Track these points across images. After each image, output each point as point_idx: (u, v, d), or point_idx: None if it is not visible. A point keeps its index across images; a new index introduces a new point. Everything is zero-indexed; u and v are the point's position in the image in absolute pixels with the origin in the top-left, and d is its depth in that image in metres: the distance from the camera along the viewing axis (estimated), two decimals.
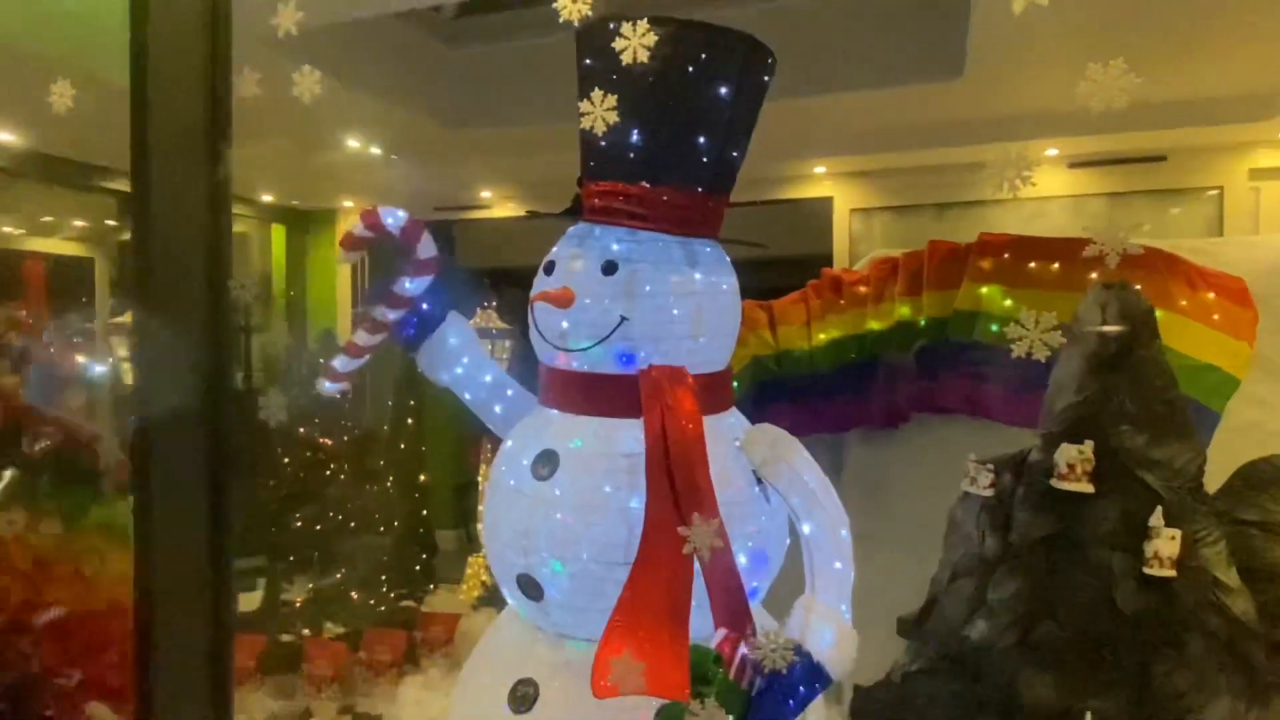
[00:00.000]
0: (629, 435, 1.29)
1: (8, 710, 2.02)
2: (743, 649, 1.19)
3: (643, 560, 1.19)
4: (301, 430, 2.95)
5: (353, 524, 2.94)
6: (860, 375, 2.57)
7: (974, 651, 1.80)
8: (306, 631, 2.88)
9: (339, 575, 2.86)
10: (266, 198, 5.14)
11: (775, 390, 2.53)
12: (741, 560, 1.32)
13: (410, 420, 3.66)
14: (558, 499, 1.29)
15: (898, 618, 2.06)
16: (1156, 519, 1.61)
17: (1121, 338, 1.70)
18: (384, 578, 2.97)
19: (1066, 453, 1.76)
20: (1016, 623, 1.75)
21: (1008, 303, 2.26)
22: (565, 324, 1.32)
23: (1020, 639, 1.74)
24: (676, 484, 1.22)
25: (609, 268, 1.30)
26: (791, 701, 1.19)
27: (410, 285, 1.48)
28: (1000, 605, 1.77)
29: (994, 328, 2.26)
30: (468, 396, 1.56)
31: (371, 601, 2.90)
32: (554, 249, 1.40)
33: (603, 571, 1.26)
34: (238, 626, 2.95)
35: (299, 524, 2.80)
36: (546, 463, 1.32)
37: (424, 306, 1.49)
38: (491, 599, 3.13)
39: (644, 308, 1.30)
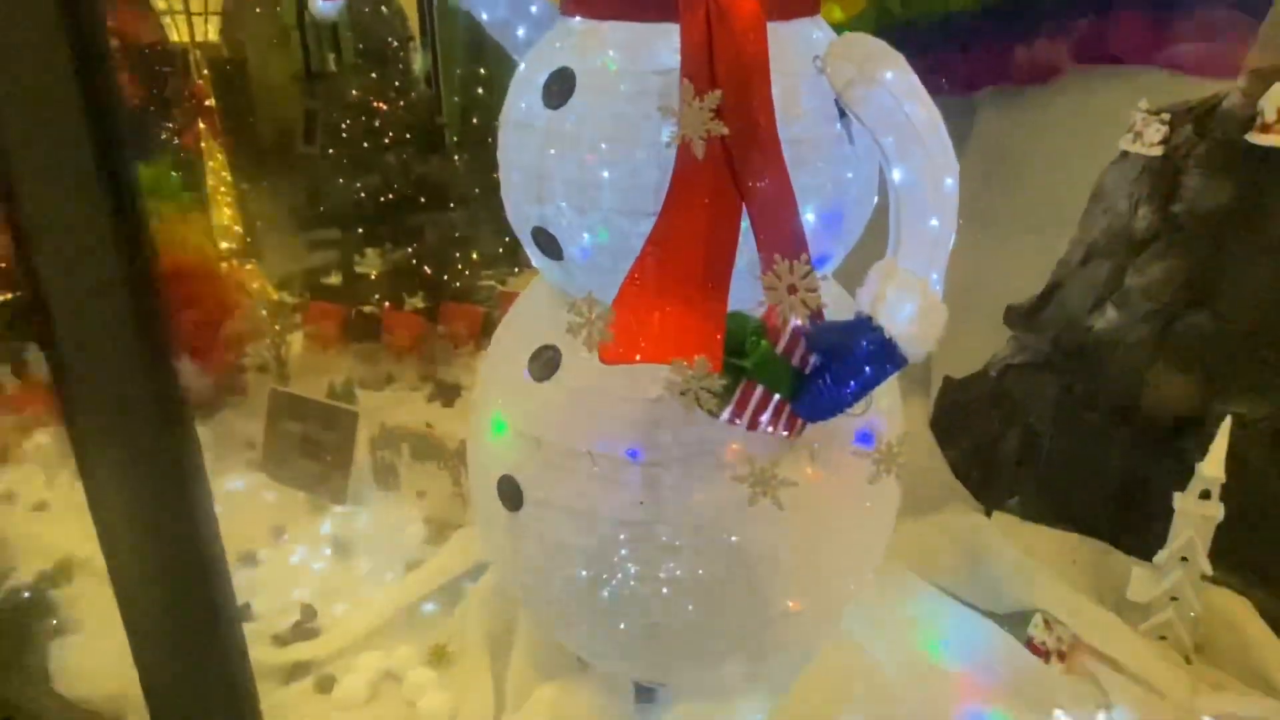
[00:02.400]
0: (665, 46, 0.96)
1: None
2: (795, 318, 0.96)
3: (673, 204, 0.93)
4: (354, 93, 2.70)
5: (422, 198, 2.80)
6: (1008, 16, 2.05)
7: (1096, 344, 1.51)
8: (387, 304, 2.88)
9: (410, 249, 2.78)
10: None
11: (899, 40, 2.06)
12: (809, 219, 1.04)
13: (480, 90, 3.35)
14: (572, 132, 1.02)
15: (1007, 306, 1.77)
16: None
17: None
18: (457, 255, 2.88)
19: (1277, 96, 1.31)
20: (1159, 312, 1.43)
21: None
22: None
23: (1160, 331, 1.43)
24: (723, 110, 0.91)
25: None
26: (853, 383, 0.97)
27: None
28: (1142, 290, 1.44)
29: None
30: (484, 16, 1.23)
31: (445, 277, 2.83)
32: None
33: (628, 224, 1.01)
34: (321, 297, 3.01)
35: (362, 194, 2.67)
36: (559, 84, 1.02)
37: None
38: None
39: None
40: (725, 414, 0.97)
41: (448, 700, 1.36)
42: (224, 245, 2.96)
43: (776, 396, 0.99)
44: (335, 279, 2.91)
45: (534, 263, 1.23)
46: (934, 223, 0.97)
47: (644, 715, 1.30)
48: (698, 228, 0.93)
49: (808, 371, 0.98)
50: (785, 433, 1.02)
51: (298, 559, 1.78)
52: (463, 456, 1.87)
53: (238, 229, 3.07)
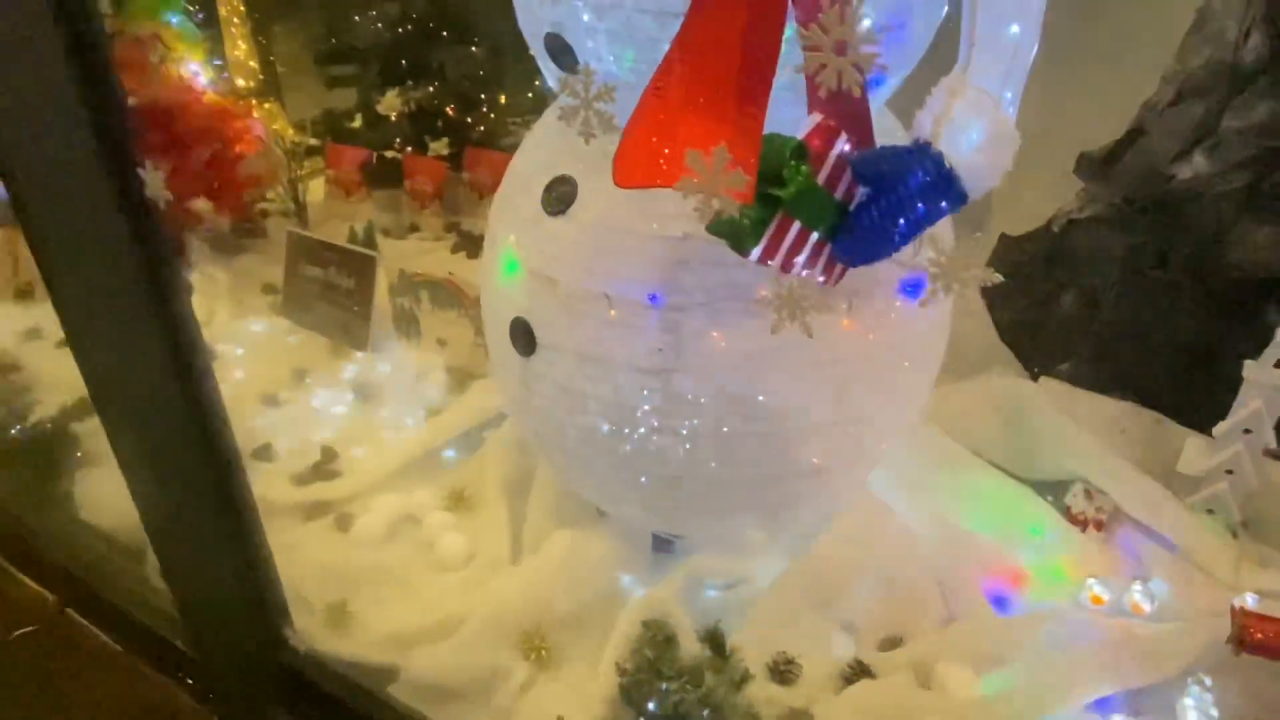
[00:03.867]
0: None
1: None
2: (841, 144, 0.83)
3: (701, 5, 0.79)
4: None
5: (444, 32, 2.60)
6: None
7: (1178, 197, 1.36)
8: (409, 149, 2.75)
9: (431, 88, 2.61)
10: None
11: None
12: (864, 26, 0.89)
13: None
14: None
15: (1080, 154, 1.60)
16: None
17: None
18: (482, 96, 2.70)
19: None
20: (1255, 160, 1.26)
21: None
22: None
23: (1252, 182, 1.27)
24: None
25: None
26: (903, 221, 0.85)
27: None
28: (1237, 135, 1.27)
29: None
30: None
31: (470, 120, 2.67)
32: None
33: (655, 26, 0.88)
34: (341, 140, 2.88)
35: (379, 25, 2.48)
36: None
37: None
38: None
39: None
40: (755, 252, 0.87)
41: (465, 543, 1.36)
42: (240, 82, 2.82)
43: (815, 235, 0.88)
44: (356, 122, 2.77)
45: (548, 79, 1.10)
46: (1014, 30, 0.83)
47: (660, 565, 1.28)
48: (735, 25, 0.80)
49: (852, 206, 0.87)
50: (822, 278, 0.91)
51: (319, 402, 1.76)
52: None
53: (253, 64, 2.91)
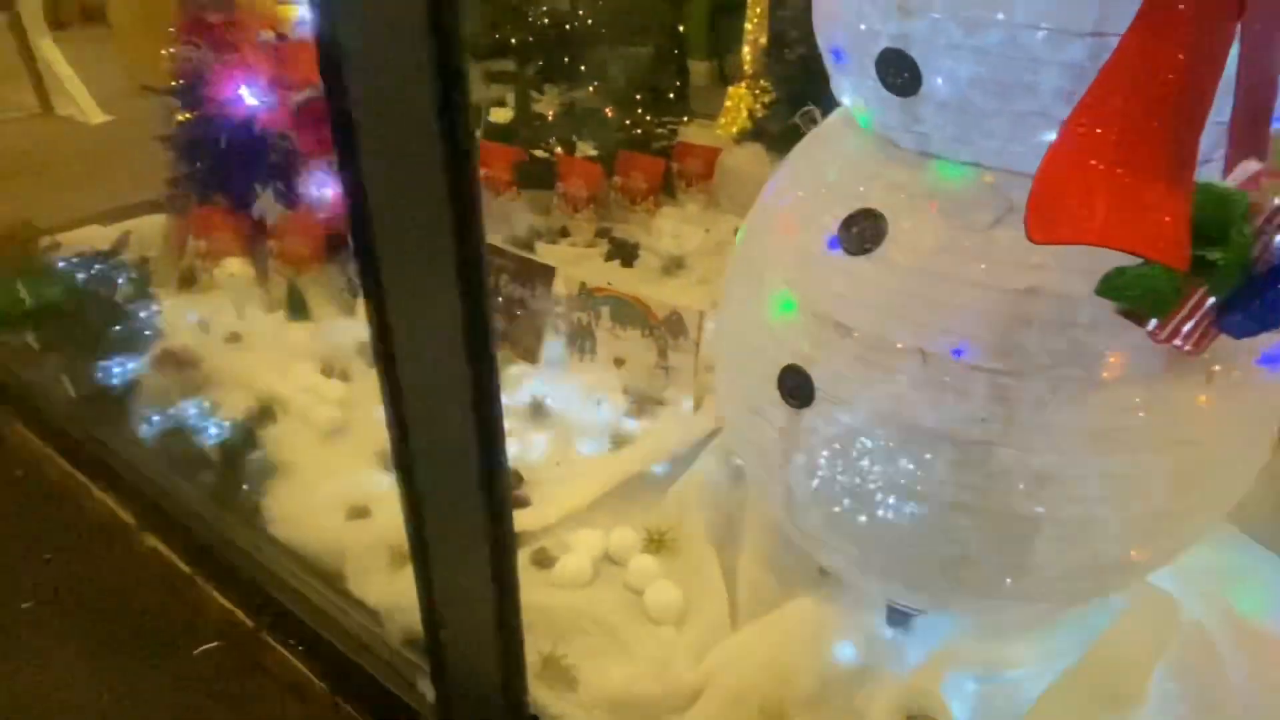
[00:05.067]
0: None
1: (281, 189, 2.02)
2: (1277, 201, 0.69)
3: (1144, 26, 0.66)
4: None
5: (602, 28, 2.50)
6: None
7: None
8: (559, 149, 2.66)
9: (591, 88, 2.52)
10: None
11: None
12: None
13: None
14: None
15: None
16: None
17: None
18: (638, 96, 2.60)
19: None
20: None
21: None
22: None
23: None
24: None
25: None
26: None
27: None
28: None
29: None
30: None
31: (628, 122, 2.57)
32: None
33: (1043, 47, 0.74)
34: (491, 136, 2.82)
35: (545, 20, 2.40)
36: None
37: None
38: (758, 133, 2.71)
39: None
40: (1153, 322, 0.74)
41: (676, 595, 1.25)
42: None
43: (1211, 300, 0.74)
44: (501, 115, 2.68)
45: (849, 98, 0.97)
46: None
47: (902, 642, 1.15)
48: (1171, 64, 0.66)
49: (1260, 271, 0.72)
50: (1188, 347, 0.77)
51: None
52: (673, 327, 1.70)
53: None
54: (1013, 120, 0.80)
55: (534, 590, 1.27)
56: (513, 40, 2.54)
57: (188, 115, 1.99)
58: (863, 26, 0.85)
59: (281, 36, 1.98)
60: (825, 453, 0.98)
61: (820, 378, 0.95)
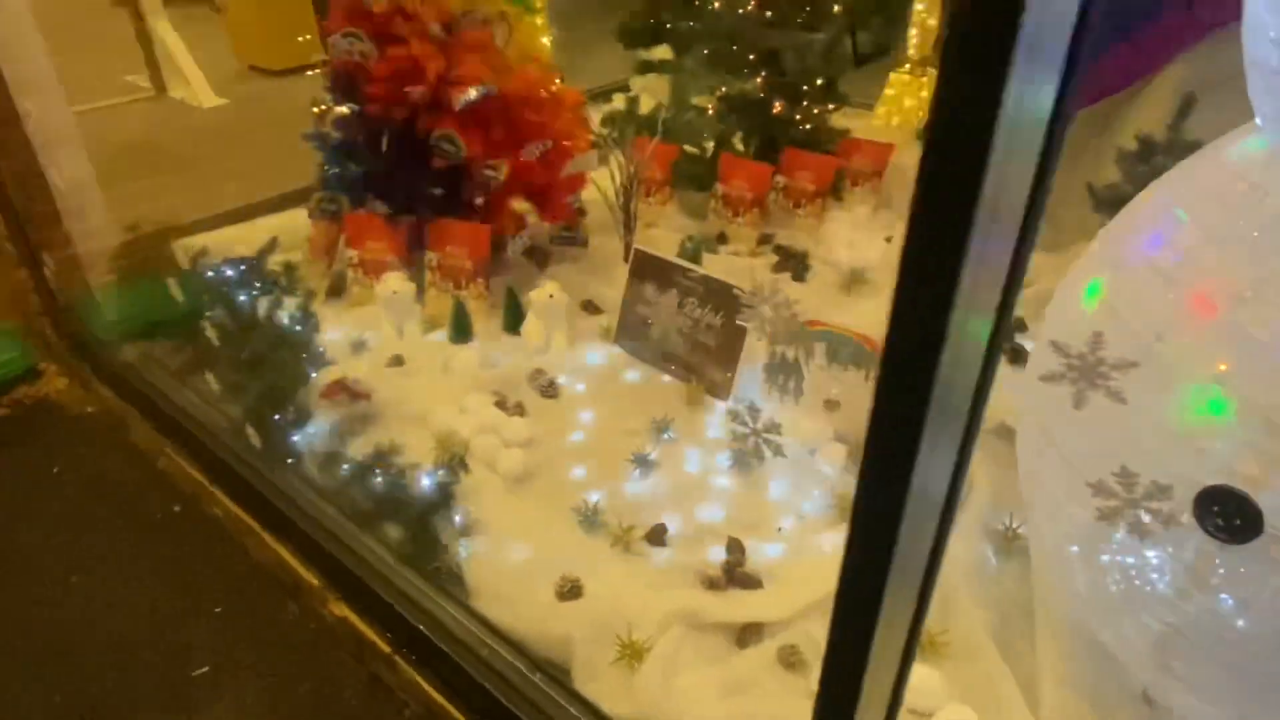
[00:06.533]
0: None
1: (442, 195, 1.85)
2: None
3: None
4: None
5: (768, 12, 2.25)
6: None
7: None
8: (711, 145, 2.44)
9: (759, 79, 2.28)
10: None
11: None
12: None
13: None
14: None
15: None
16: None
17: None
18: (805, 89, 2.34)
19: None
20: None
21: None
22: None
23: None
24: None
25: None
26: None
27: None
28: None
29: None
30: None
31: (798, 116, 2.32)
32: None
33: None
34: (639, 131, 2.59)
35: (713, 4, 2.16)
36: None
37: None
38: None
39: None
40: None
41: (964, 714, 1.04)
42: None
43: None
44: (663, 111, 2.45)
45: (1261, 101, 0.73)
46: None
47: None
48: None
49: None
50: None
51: (695, 469, 1.49)
52: None
53: (545, 41, 2.66)
54: None
55: (790, 700, 1.08)
56: (668, 26, 2.32)
57: (343, 111, 1.82)
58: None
59: (449, 29, 1.79)
60: (1258, 598, 0.75)
61: (1274, 507, 0.72)
